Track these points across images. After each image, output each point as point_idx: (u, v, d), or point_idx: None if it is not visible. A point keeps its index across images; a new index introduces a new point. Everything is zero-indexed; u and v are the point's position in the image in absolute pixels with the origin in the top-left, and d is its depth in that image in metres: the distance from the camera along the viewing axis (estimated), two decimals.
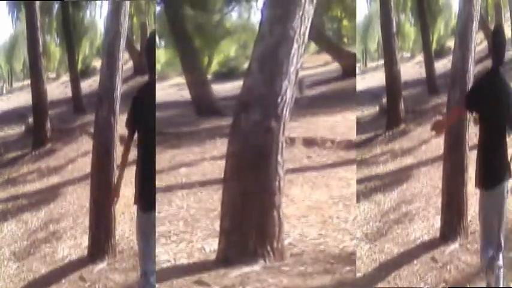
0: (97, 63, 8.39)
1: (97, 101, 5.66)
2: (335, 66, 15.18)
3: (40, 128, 8.25)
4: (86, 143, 7.69)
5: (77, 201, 6.68)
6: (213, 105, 11.82)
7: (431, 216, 5.55)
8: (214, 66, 14.61)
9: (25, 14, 8.37)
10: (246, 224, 4.91)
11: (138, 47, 9.45)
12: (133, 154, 4.20)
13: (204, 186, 7.43)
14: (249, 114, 4.89)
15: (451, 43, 5.45)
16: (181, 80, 12.85)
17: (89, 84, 8.54)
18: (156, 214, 6.26)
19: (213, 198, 6.77)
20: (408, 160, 7.46)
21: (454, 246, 5.18)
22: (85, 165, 6.80)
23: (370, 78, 9.50)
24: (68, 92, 8.85)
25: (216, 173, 7.25)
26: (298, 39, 4.87)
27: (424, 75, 9.36)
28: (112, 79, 5.56)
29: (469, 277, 4.82)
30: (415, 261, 5.04)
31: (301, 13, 4.85)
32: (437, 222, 5.42)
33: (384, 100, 9.00)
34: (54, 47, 9.19)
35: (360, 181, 6.64)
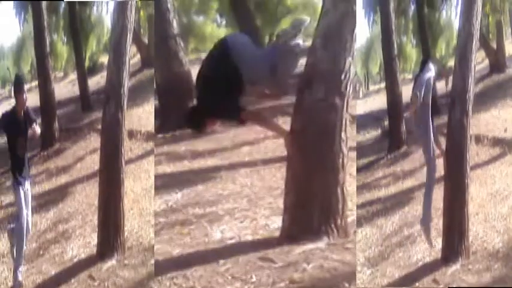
0: (104, 59, 8.29)
1: (104, 97, 5.49)
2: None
3: (48, 128, 8.20)
4: (94, 141, 7.59)
5: (86, 199, 6.57)
6: None
7: (432, 238, 5.36)
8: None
9: (32, 15, 8.33)
10: (310, 201, 4.81)
11: (145, 40, 9.33)
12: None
13: (266, 164, 7.32)
14: (312, 92, 4.79)
15: (452, 63, 5.34)
16: None
17: (97, 81, 8.45)
18: (221, 192, 6.36)
19: (276, 176, 6.69)
20: (410, 182, 7.44)
21: (455, 267, 5.04)
22: (94, 163, 6.71)
23: (372, 101, 9.42)
24: (76, 91, 8.78)
25: (278, 151, 7.18)
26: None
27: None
28: (119, 75, 5.36)
29: None
30: (416, 284, 4.94)
31: None
32: (438, 244, 5.28)
33: (386, 123, 9.04)
34: (62, 46, 9.13)
35: (361, 206, 6.55)
